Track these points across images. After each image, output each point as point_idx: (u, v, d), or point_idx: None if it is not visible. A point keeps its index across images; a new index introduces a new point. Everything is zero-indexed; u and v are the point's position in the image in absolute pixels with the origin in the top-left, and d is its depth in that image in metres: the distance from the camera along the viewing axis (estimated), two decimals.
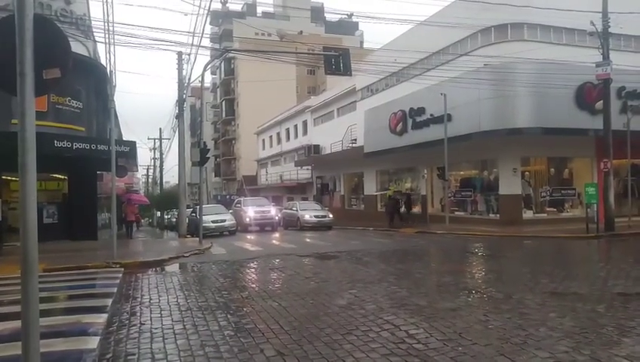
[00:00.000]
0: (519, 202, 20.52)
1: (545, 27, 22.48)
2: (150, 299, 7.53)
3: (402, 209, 25.41)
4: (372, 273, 9.57)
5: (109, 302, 7.15)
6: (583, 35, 19.68)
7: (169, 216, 41.95)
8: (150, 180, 65.85)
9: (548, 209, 21.10)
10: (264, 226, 25.10)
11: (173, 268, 11.58)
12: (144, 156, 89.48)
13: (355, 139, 33.14)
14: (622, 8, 18.66)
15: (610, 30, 17.37)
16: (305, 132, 46.46)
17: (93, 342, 5.08)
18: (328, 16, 74.05)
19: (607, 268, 10.16)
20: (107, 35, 14.39)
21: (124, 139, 30.25)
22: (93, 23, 18.93)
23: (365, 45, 68.34)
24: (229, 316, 6.34)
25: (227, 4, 69.86)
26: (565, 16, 20.05)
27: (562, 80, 17.90)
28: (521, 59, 19.80)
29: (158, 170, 54.66)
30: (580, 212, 19.85)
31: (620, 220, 17.77)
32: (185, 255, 13.40)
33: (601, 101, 17.82)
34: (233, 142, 70.60)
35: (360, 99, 35.07)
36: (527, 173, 21.24)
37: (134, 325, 5.99)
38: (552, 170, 21.89)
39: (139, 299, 7.59)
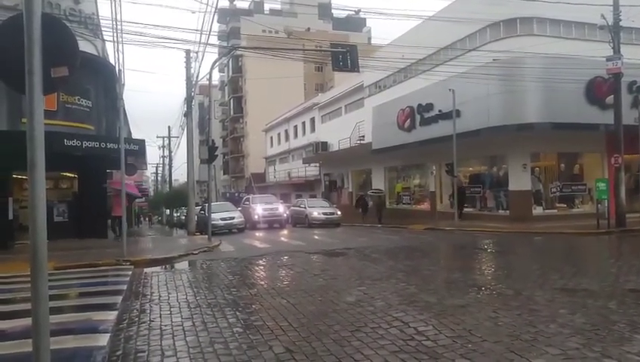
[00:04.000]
0: (529, 198, 20.35)
1: (554, 21, 22.27)
2: (160, 297, 7.57)
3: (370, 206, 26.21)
4: (380, 270, 9.54)
5: (119, 299, 7.22)
6: (593, 28, 19.52)
7: (178, 214, 42.20)
8: (159, 178, 66.29)
9: (558, 205, 20.91)
10: (272, 223, 25.16)
11: (182, 265, 11.65)
12: (153, 154, 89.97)
13: (363, 136, 33.07)
14: (633, 1, 18.42)
15: (621, 24, 17.15)
16: (313, 129, 46.44)
17: (103, 340, 5.13)
18: (336, 13, 73.78)
19: (618, 264, 10.06)
20: (115, 34, 14.47)
21: (133, 137, 30.39)
22: (101, 21, 19.03)
23: (373, 41, 68.09)
24: (237, 313, 6.35)
25: (234, 2, 70.03)
26: (575, 10, 19.85)
27: (572, 74, 17.70)
28: (531, 53, 19.62)
29: (167, 168, 54.97)
30: (590, 208, 19.65)
31: (632, 216, 17.58)
32: (194, 252, 13.46)
33: (612, 96, 17.58)
34: (241, 139, 70.74)
35: (368, 96, 34.98)
36: (536, 168, 21.06)
37: (144, 322, 6.02)
38: (562, 165, 21.67)
39: (148, 297, 7.63)
